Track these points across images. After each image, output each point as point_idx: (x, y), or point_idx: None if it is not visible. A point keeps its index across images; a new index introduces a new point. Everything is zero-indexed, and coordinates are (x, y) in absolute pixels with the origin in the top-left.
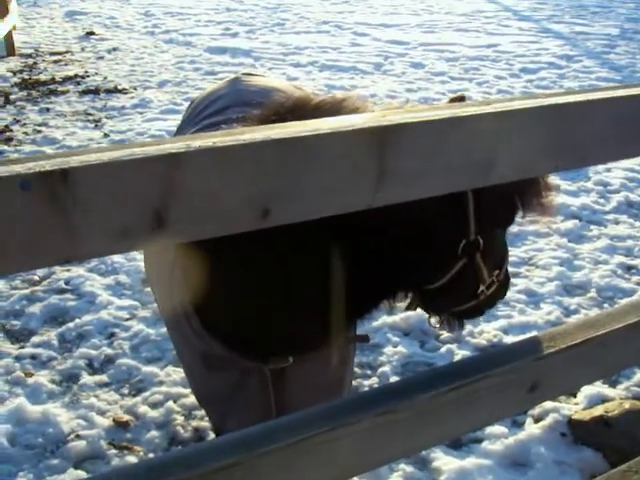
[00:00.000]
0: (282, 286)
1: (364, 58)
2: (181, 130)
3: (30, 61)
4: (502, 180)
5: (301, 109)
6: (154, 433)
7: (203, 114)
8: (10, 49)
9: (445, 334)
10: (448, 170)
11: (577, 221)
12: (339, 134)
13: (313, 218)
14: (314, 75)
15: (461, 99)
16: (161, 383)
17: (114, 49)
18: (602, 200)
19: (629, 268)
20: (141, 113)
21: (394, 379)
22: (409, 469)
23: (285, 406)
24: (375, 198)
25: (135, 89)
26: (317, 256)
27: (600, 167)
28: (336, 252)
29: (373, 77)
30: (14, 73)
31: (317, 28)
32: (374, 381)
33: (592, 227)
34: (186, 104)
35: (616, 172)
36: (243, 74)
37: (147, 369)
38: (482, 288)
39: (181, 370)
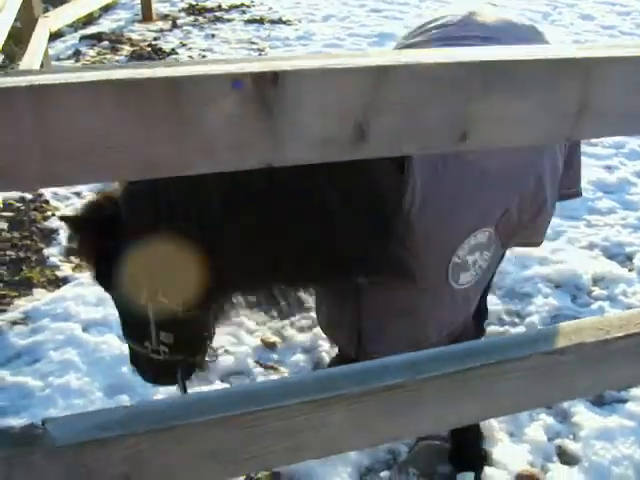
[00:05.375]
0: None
1: (532, 6)
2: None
3: None
4: None
5: None
6: (300, 356)
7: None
8: None
9: (599, 290)
10: None
11: None
12: (543, 62)
13: (507, 146)
14: None
15: None
16: (309, 309)
17: None
18: None
19: None
20: (304, 45)
21: None
22: (549, 420)
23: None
24: (577, 130)
25: (299, 21)
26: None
27: None
28: None
29: (540, 26)
30: None
31: None
32: (521, 330)
33: None
34: (349, 39)
35: None
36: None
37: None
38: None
39: None
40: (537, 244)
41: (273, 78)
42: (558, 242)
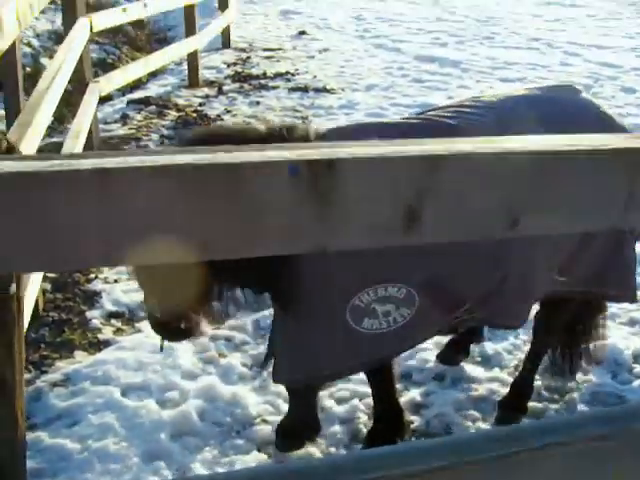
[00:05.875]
0: None
1: (573, 78)
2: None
3: (244, 55)
4: None
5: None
6: (337, 428)
7: None
8: (226, 42)
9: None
10: None
11: None
12: (595, 152)
13: (562, 232)
14: None
15: None
16: (348, 380)
17: (324, 50)
18: None
19: None
20: (347, 114)
21: (581, 407)
22: None
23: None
24: (625, 219)
25: (343, 90)
26: None
27: None
28: None
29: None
30: (228, 65)
31: (527, 44)
32: (561, 406)
33: None
34: (392, 109)
35: None
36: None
37: None
38: None
39: None
40: (510, 326)
41: (328, 165)
42: None
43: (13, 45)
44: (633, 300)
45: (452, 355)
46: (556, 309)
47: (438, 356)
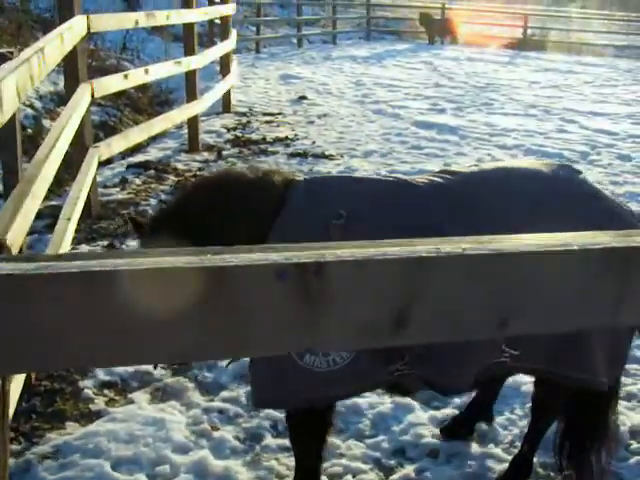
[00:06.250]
0: None
1: (570, 146)
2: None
3: (244, 119)
4: None
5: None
6: None
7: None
8: (227, 106)
9: (636, 444)
10: None
11: None
12: (586, 252)
13: (552, 332)
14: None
15: None
16: (342, 456)
17: (324, 115)
18: None
19: None
20: None
21: None
22: None
23: None
24: (614, 319)
25: (342, 156)
26: None
27: None
28: None
29: (579, 166)
30: (228, 130)
31: (525, 111)
32: None
33: None
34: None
35: None
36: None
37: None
38: None
39: (363, 445)
40: (448, 389)
41: (317, 268)
42: None
43: (12, 117)
44: (597, 386)
45: (456, 429)
46: (543, 389)
47: (442, 430)
